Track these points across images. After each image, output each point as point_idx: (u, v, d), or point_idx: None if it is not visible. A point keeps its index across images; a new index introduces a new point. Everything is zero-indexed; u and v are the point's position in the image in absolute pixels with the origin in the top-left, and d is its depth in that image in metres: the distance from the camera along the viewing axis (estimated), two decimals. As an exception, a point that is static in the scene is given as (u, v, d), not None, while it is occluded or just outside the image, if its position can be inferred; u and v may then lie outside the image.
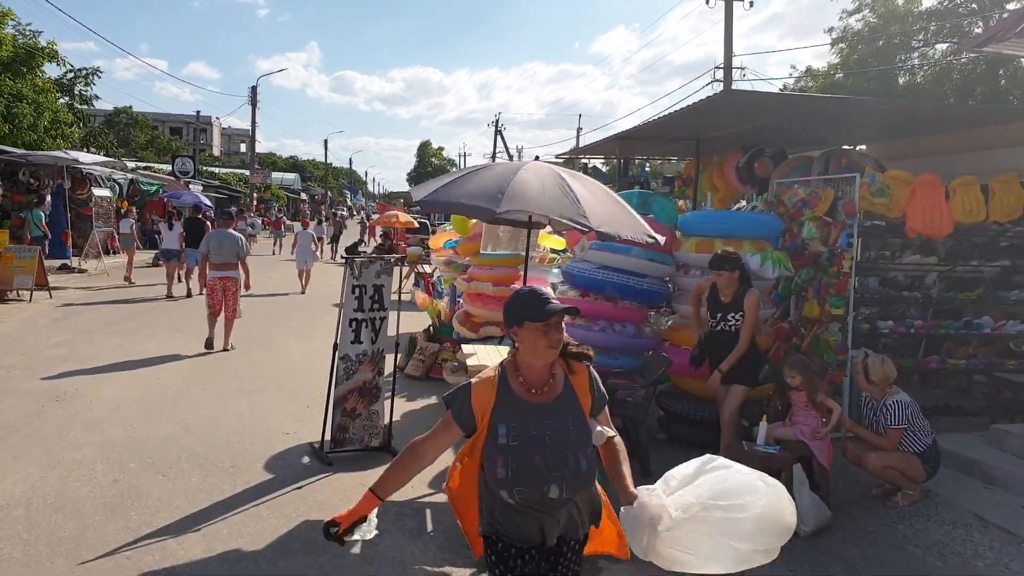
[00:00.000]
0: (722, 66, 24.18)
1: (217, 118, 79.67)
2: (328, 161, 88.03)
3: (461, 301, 8.66)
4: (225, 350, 9.40)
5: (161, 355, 9.03)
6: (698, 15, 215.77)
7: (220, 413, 6.71)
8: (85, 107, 30.20)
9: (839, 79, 24.98)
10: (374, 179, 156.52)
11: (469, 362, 5.46)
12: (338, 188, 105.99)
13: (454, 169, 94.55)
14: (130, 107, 65.93)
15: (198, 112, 46.17)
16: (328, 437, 5.69)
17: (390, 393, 6.05)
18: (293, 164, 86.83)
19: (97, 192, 19.44)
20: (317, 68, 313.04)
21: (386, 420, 5.95)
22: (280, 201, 54.76)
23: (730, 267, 5.44)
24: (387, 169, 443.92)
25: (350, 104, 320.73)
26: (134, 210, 24.83)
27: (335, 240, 27.67)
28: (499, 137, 53.97)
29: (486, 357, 5.41)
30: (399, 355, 8.84)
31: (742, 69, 27.66)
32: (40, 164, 19.40)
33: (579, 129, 55.78)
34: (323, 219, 32.50)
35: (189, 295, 14.98)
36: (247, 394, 7.40)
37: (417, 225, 32.61)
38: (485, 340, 7.36)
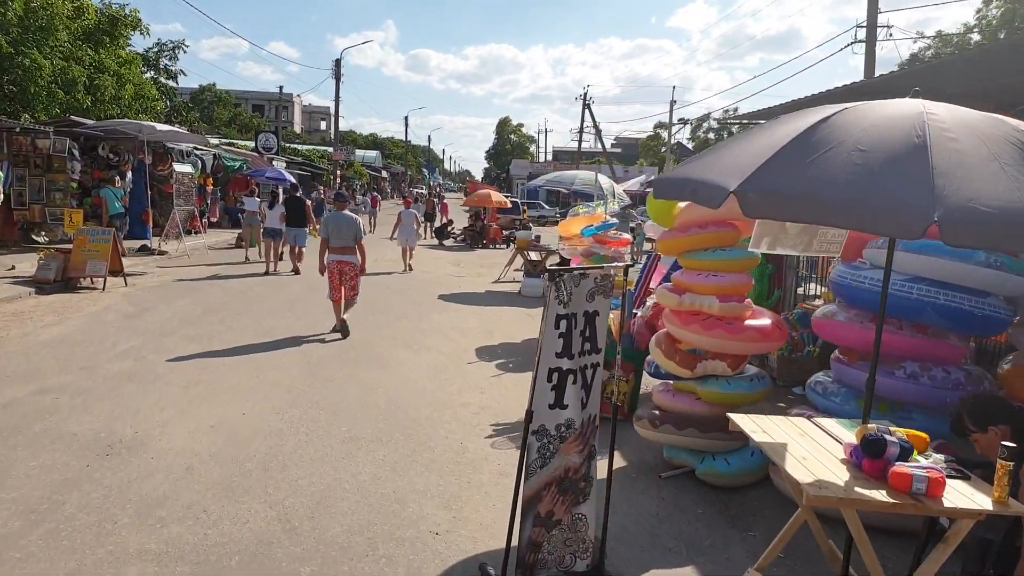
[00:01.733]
0: (864, 24, 21.04)
1: (298, 95, 79.66)
2: (406, 139, 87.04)
3: (640, 314, 6.33)
4: (342, 331, 9.01)
5: (242, 371, 7.09)
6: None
7: (332, 485, 4.61)
8: (170, 82, 29.20)
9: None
10: (450, 157, 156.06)
11: (755, 438, 3.24)
12: (417, 166, 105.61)
13: (534, 147, 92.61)
14: (214, 84, 66.31)
15: (281, 88, 45.17)
16: (513, 561, 3.49)
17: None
18: (373, 141, 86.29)
19: (178, 168, 17.94)
20: (393, 47, 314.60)
21: (595, 530, 3.73)
22: (363, 178, 53.61)
23: None
24: (461, 147, 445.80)
25: (425, 83, 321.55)
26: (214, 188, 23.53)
27: (429, 219, 25.95)
28: (587, 111, 51.08)
29: (782, 435, 3.19)
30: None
31: (888, 28, 24.22)
32: (120, 138, 18.03)
33: (672, 102, 52.49)
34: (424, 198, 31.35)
35: (296, 272, 15.05)
36: (363, 447, 5.29)
37: (509, 205, 30.54)
38: (705, 381, 5.01)
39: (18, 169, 15.47)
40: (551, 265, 15.50)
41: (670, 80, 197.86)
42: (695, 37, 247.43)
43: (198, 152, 22.05)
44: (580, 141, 54.64)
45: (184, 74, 31.41)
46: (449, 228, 27.48)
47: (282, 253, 16.13)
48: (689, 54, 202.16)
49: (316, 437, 5.39)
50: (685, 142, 76.96)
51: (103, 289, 11.88)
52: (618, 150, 71.73)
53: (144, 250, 17.22)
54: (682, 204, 5.08)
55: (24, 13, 18.24)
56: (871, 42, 20.18)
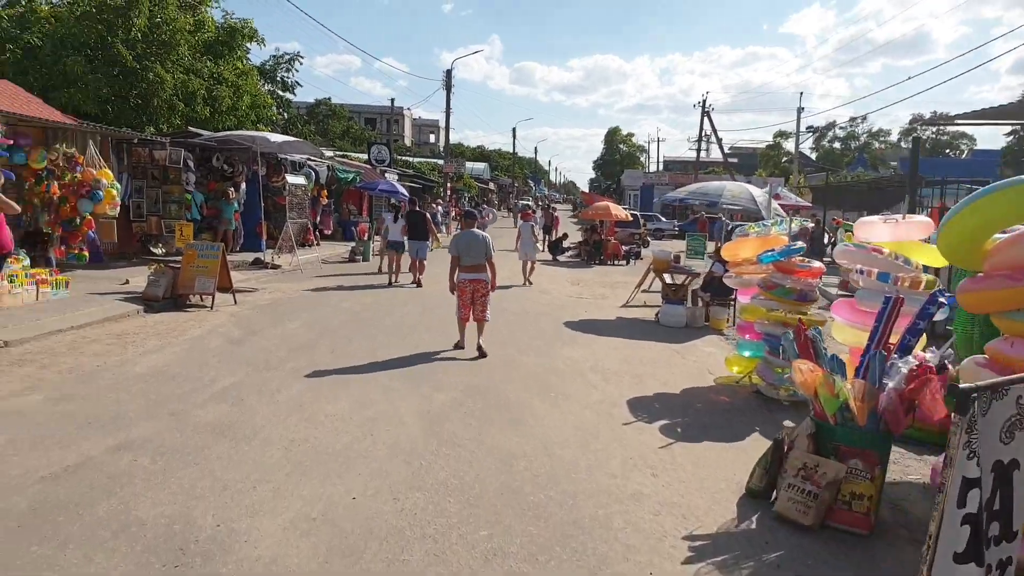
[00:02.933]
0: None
1: (408, 108, 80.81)
2: (514, 151, 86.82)
3: (892, 385, 4.57)
4: (481, 356, 8.60)
5: (353, 423, 5.84)
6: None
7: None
8: (287, 94, 29.33)
9: None
10: (556, 168, 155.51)
11: None
12: (523, 178, 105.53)
13: (644, 156, 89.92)
14: (329, 98, 68.14)
15: (392, 100, 45.17)
16: None
17: None
18: (481, 153, 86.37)
19: (292, 180, 17.37)
20: (499, 60, 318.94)
21: None
22: (472, 191, 53.15)
23: None
24: (566, 159, 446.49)
25: (530, 95, 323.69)
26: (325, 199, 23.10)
27: (547, 232, 24.63)
28: (707, 119, 48.54)
29: None
30: (755, 473, 5.01)
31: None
32: (235, 149, 17.67)
33: (800, 109, 49.30)
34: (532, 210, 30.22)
35: (418, 284, 15.18)
36: (512, 571, 3.84)
37: (630, 218, 28.77)
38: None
39: (136, 181, 15.23)
40: (694, 290, 13.90)
41: (783, 88, 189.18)
42: (810, 43, 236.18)
43: (312, 164, 21.64)
44: (699, 150, 52.13)
45: (300, 85, 31.68)
46: (562, 243, 26.04)
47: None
48: (805, 61, 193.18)
49: (447, 547, 3.97)
50: (807, 152, 72.40)
51: (211, 307, 11.15)
52: (734, 160, 68.28)
53: (257, 263, 16.71)
54: (1002, 235, 3.36)
55: (148, 29, 18.25)
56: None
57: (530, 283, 16.57)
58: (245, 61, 22.98)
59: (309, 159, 22.25)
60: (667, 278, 13.29)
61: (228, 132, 17.60)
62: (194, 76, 19.36)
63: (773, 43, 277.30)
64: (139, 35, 17.91)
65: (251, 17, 22.57)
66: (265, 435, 5.60)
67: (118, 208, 12.57)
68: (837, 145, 73.44)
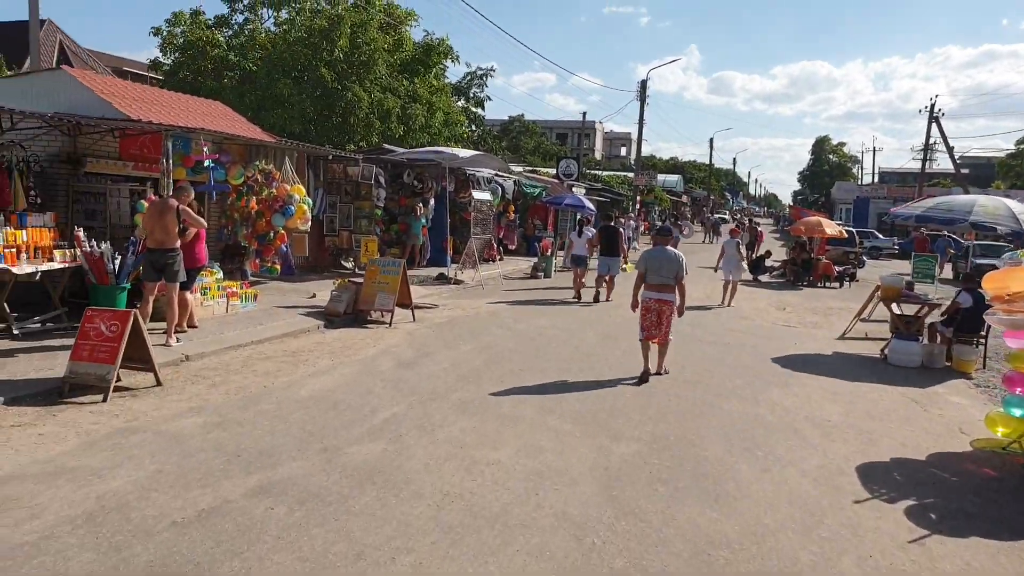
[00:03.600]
0: None
1: (600, 122, 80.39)
2: (710, 162, 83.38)
3: None
4: (658, 374, 8.31)
5: (516, 478, 4.93)
6: None
7: None
8: (478, 110, 29.71)
9: None
10: (755, 180, 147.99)
11: None
12: (719, 190, 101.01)
13: (857, 168, 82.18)
14: (522, 115, 69.42)
15: (584, 113, 44.80)
16: None
17: None
18: (674, 166, 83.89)
19: (477, 195, 17.10)
20: (696, 71, 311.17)
21: None
22: (663, 204, 51.36)
23: None
24: (767, 170, 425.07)
25: (728, 105, 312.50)
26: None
27: (751, 249, 22.82)
28: (936, 125, 43.09)
29: None
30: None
31: None
32: (425, 165, 17.77)
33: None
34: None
35: (596, 299, 14.64)
36: None
37: (844, 235, 25.83)
38: None
39: (330, 196, 15.65)
40: (932, 321, 11.64)
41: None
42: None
43: (499, 179, 21.44)
44: (925, 160, 46.43)
45: (490, 99, 32.04)
46: (765, 261, 23.78)
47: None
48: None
49: None
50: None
51: (390, 324, 10.89)
52: (965, 171, 60.41)
53: (441, 278, 16.58)
54: None
55: (349, 50, 18.96)
56: None
57: (730, 306, 15.24)
58: (441, 78, 23.40)
59: (497, 175, 22.12)
60: (896, 308, 11.21)
61: (418, 149, 17.75)
62: (390, 94, 19.88)
63: (1014, 39, 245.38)
64: (340, 56, 18.64)
65: (447, 35, 22.80)
66: (417, 485, 4.85)
67: (309, 223, 12.82)
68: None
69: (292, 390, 6.98)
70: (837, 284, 21.40)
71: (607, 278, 14.86)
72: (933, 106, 42.98)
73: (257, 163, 12.10)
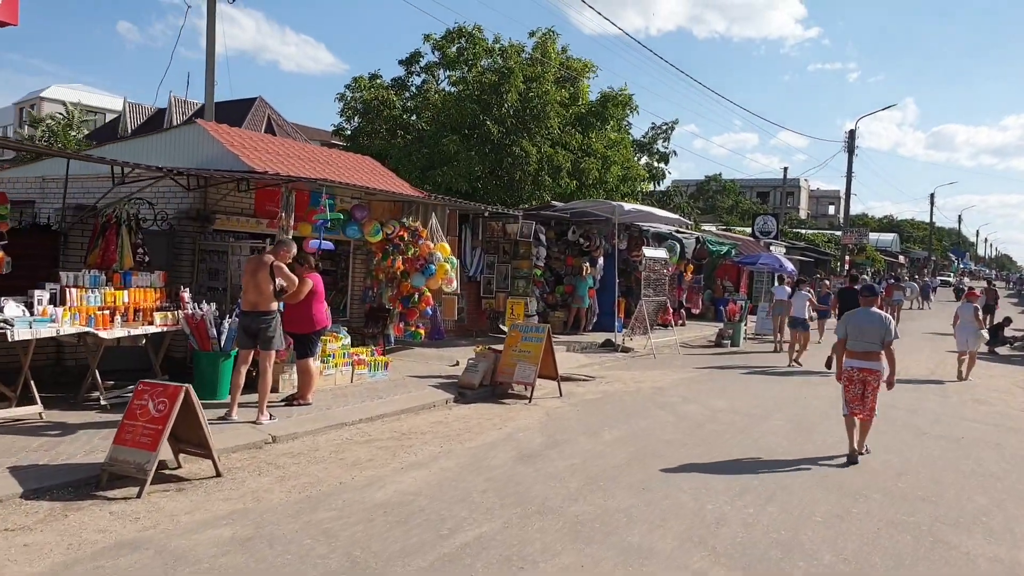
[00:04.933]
0: None
1: (805, 178, 74.93)
2: (931, 220, 74.64)
3: None
4: (860, 453, 7.11)
5: None
6: None
7: None
8: (662, 164, 27.95)
9: None
10: (985, 239, 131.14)
11: None
12: (942, 250, 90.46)
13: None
14: (719, 174, 66.32)
15: (785, 169, 41.17)
16: None
17: None
18: (889, 224, 76.01)
19: (649, 253, 15.27)
20: (912, 125, 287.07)
21: None
22: (876, 264, 45.82)
23: None
24: (998, 228, 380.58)
25: (950, 160, 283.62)
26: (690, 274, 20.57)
27: (990, 312, 18.96)
28: None
29: None
30: None
31: None
32: (592, 221, 16.34)
33: None
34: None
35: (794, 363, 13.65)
36: None
37: None
38: None
39: (488, 256, 14.65)
40: None
41: None
42: None
43: (679, 236, 19.45)
44: None
45: (675, 154, 30.13)
46: (1004, 329, 19.33)
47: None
48: None
49: None
50: None
51: (529, 400, 9.36)
52: None
53: (607, 345, 14.86)
54: None
55: (520, 104, 18.23)
56: None
57: (967, 378, 12.96)
58: (623, 131, 22.04)
59: (678, 231, 20.14)
60: None
61: (582, 202, 16.38)
62: (561, 148, 18.81)
63: None
64: (510, 111, 17.94)
65: (625, 84, 21.51)
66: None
67: (454, 284, 11.74)
68: None
69: (369, 490, 5.60)
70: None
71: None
72: None
73: (403, 220, 11.29)
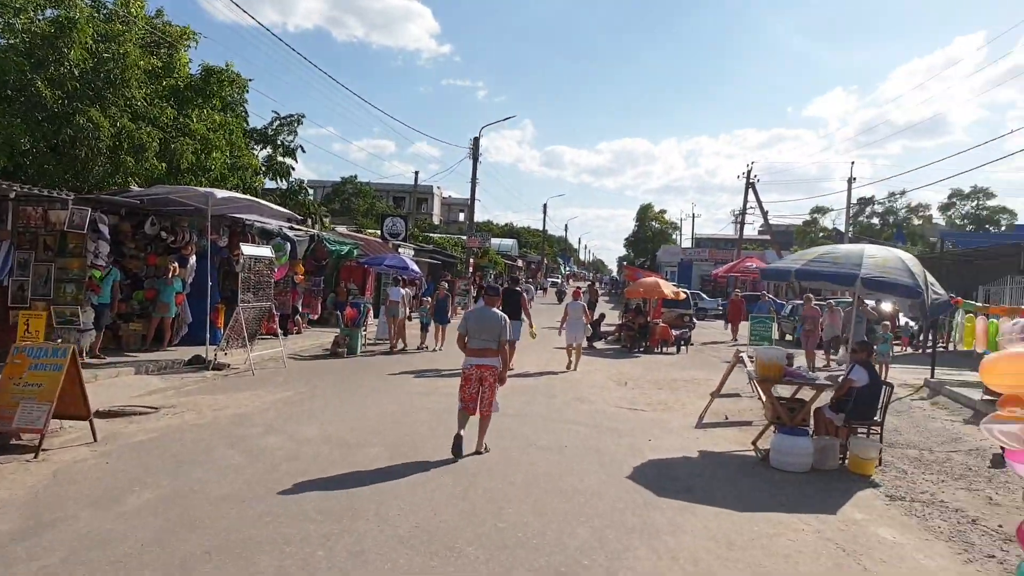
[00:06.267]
0: None
1: (438, 187, 78.41)
2: (544, 228, 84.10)
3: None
4: (479, 453, 7.24)
5: None
6: (924, 72, 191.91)
7: None
8: (287, 159, 25.69)
9: None
10: (585, 246, 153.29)
11: None
12: (553, 255, 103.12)
13: (677, 234, 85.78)
14: (355, 176, 65.82)
15: (416, 173, 41.85)
16: None
17: None
18: (510, 231, 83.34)
19: (248, 251, 13.10)
20: (530, 144, 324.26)
21: None
22: (498, 267, 49.17)
23: None
24: (595, 237, 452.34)
25: (559, 177, 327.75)
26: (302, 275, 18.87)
27: (591, 309, 21.09)
28: (751, 191, 44.34)
29: None
30: None
31: None
32: (181, 212, 13.63)
33: (851, 180, 45.07)
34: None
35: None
36: None
37: (684, 296, 24.07)
38: None
39: (22, 252, 11.11)
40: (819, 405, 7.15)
41: (806, 169, 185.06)
42: (832, 125, 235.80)
43: (292, 233, 17.56)
44: (742, 224, 47.73)
45: (303, 150, 28.08)
46: (600, 325, 21.33)
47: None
48: (828, 142, 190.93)
49: None
50: (841, 228, 68.42)
51: (35, 455, 6.70)
52: (766, 237, 64.32)
53: (196, 362, 12.37)
54: None
55: (89, 66, 14.57)
56: None
57: (574, 369, 14.48)
58: (235, 113, 19.27)
59: (292, 227, 18.21)
60: (771, 389, 8.61)
61: (160, 187, 13.58)
62: (147, 124, 15.55)
63: (796, 125, 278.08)
64: (74, 71, 14.22)
65: (229, 63, 18.82)
66: None
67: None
68: (876, 221, 69.60)
69: None
70: (674, 349, 19.39)
71: (508, 343, 13.19)
72: (749, 172, 44.24)
73: None
